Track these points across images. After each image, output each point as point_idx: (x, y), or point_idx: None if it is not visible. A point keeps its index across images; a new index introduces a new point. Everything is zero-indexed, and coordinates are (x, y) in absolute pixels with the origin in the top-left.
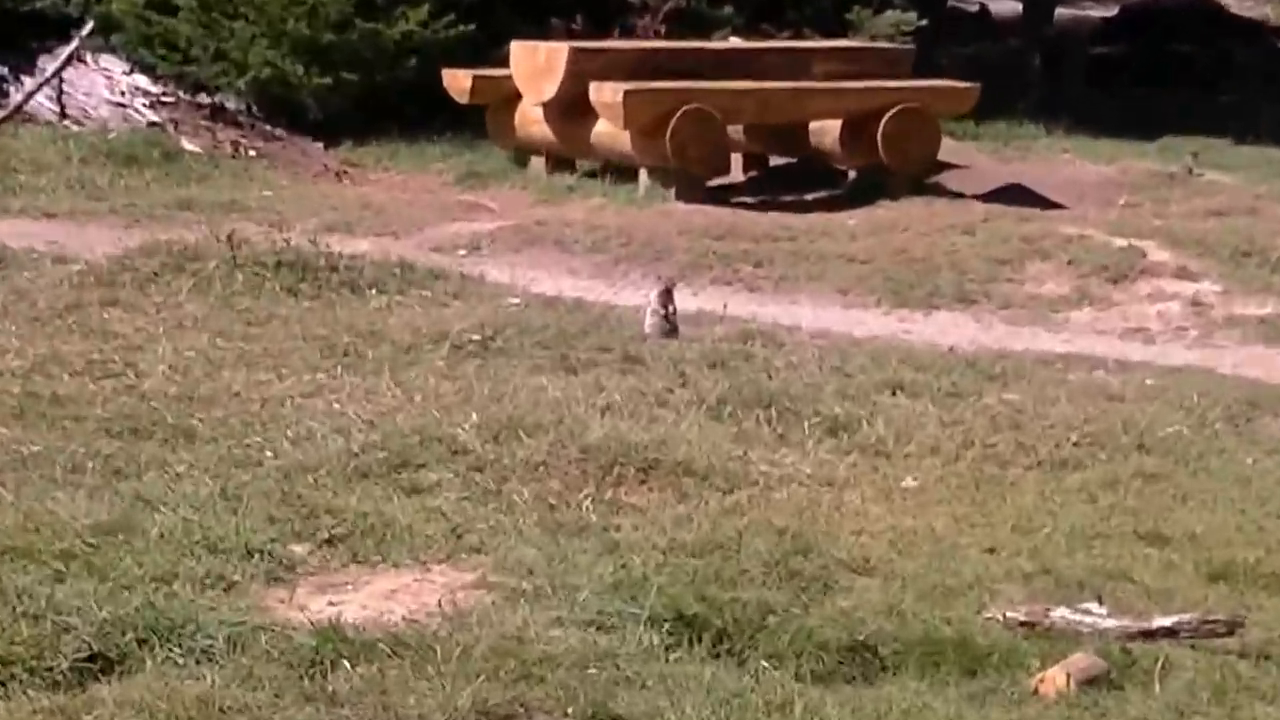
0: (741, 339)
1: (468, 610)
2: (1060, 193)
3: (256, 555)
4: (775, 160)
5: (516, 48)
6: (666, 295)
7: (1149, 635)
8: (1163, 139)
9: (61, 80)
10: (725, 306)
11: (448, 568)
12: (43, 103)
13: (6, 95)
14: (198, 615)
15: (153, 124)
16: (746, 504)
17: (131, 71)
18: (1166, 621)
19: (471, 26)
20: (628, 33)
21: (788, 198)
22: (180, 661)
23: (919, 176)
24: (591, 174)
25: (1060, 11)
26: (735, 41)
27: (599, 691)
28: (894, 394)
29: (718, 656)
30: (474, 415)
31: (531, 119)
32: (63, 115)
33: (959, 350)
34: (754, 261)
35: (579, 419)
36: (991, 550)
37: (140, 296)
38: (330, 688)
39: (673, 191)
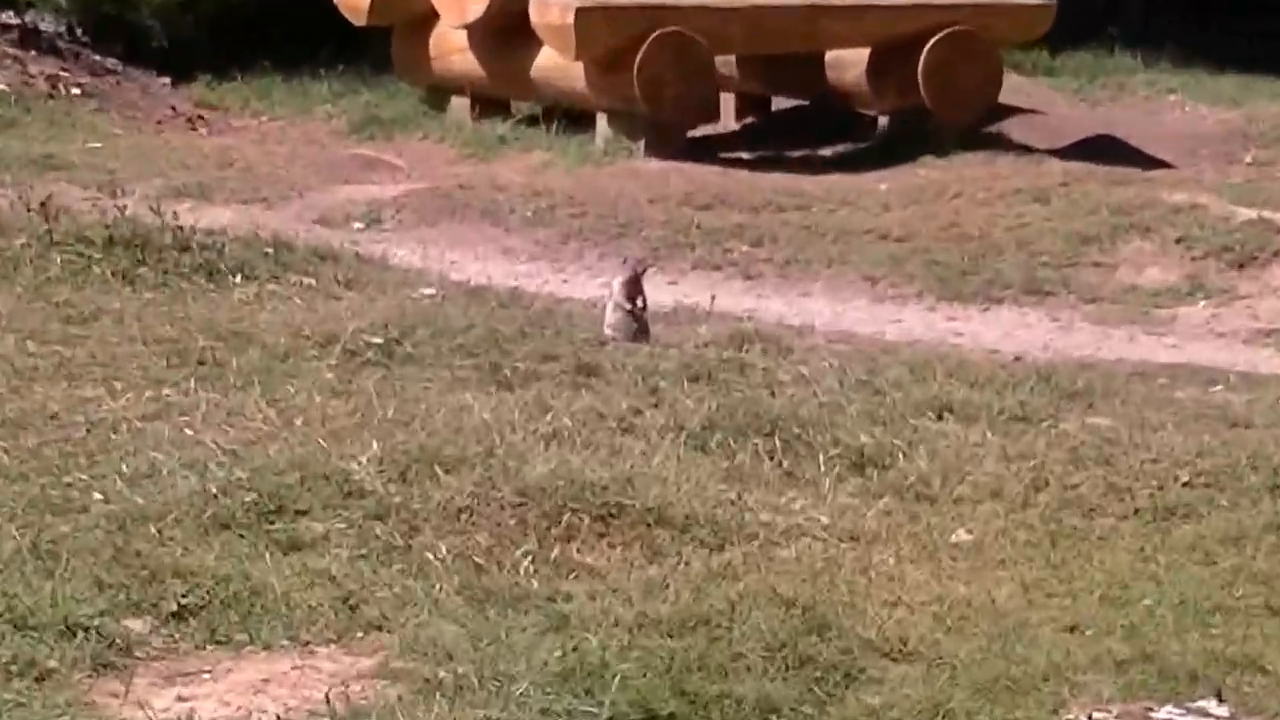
0: (735, 343)
1: (365, 708)
2: (1165, 147)
3: (80, 633)
4: (780, 103)
5: None
6: (634, 284)
7: None
8: None
9: None
10: (713, 299)
11: (338, 650)
12: None
13: None
14: (1, 713)
15: None
16: (741, 565)
17: None
18: None
19: None
20: None
21: (797, 153)
22: None
23: (974, 125)
24: (532, 120)
25: None
26: None
27: None
28: (940, 418)
29: None
30: (374, 445)
31: (452, 46)
32: None
33: (1028, 359)
34: (752, 239)
35: (515, 450)
36: (1073, 629)
37: None
38: None
39: (641, 144)
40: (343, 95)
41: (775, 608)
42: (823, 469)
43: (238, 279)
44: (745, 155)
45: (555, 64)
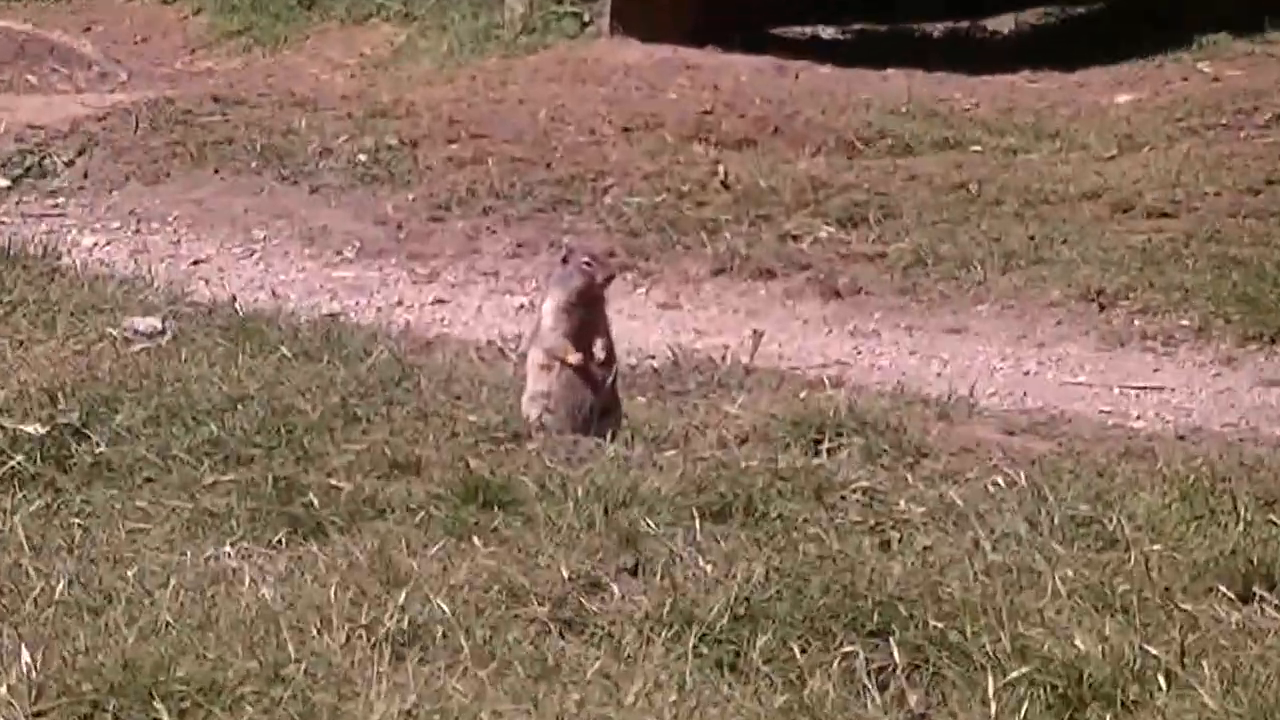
0: (802, 435)
1: None
2: None
3: None
4: None
5: None
6: (583, 308)
7: None
8: None
9: None
10: (756, 339)
11: None
12: None
13: None
14: None
15: None
16: None
17: None
18: None
19: None
20: None
21: (936, 28)
22: None
23: None
24: None
25: None
26: None
27: None
28: (1248, 597)
29: None
30: (24, 656)
31: None
32: None
33: None
34: (840, 210)
35: (332, 673)
36: None
37: None
38: None
39: (605, 9)
40: None
41: None
42: (993, 706)
43: None
44: (825, 32)
45: None
